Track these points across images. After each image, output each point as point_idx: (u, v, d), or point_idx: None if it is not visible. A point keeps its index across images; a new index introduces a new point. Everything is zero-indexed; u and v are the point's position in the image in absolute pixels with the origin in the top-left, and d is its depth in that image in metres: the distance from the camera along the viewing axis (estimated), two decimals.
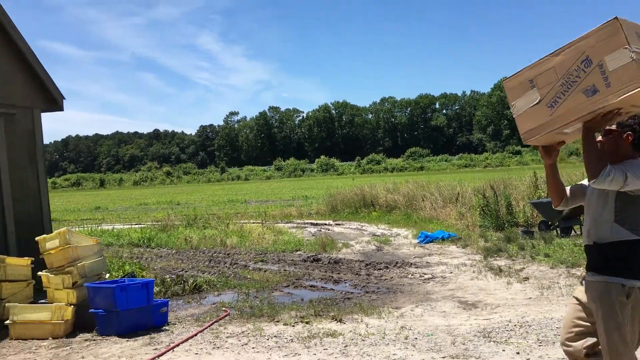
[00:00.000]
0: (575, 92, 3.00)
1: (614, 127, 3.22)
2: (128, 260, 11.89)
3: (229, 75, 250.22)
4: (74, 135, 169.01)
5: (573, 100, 3.01)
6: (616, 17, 2.86)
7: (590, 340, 3.28)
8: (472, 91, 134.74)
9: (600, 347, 3.24)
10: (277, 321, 6.97)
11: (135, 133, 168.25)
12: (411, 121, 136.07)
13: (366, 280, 9.40)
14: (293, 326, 6.73)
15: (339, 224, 19.24)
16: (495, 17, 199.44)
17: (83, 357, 5.93)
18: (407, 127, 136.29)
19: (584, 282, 3.35)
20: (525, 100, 3.20)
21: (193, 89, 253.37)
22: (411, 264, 10.71)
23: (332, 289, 8.87)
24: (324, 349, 5.77)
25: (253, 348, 5.94)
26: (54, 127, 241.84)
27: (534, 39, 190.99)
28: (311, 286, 9.23)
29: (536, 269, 9.46)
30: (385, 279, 9.45)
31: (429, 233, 13.96)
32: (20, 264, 7.65)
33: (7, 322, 6.84)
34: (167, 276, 9.97)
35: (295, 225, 19.53)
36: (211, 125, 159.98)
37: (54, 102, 11.16)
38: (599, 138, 3.26)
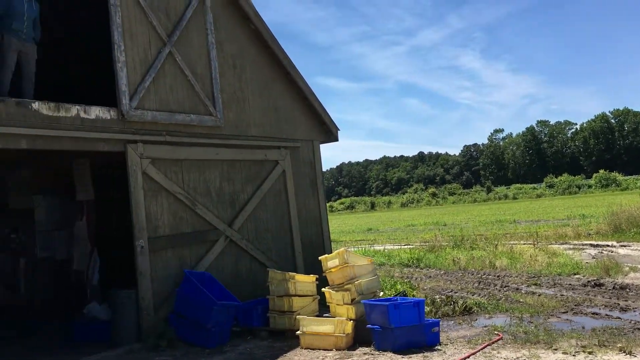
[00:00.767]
0: None
1: None
2: (399, 279, 12.38)
3: (492, 92, 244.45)
4: (346, 162, 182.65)
5: None
6: None
7: None
8: None
9: None
10: (555, 349, 6.54)
11: (401, 156, 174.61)
12: None
13: None
14: (574, 355, 6.24)
15: (624, 246, 17.19)
16: None
17: None
18: None
19: None
20: None
21: (456, 109, 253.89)
22: None
23: (619, 318, 7.99)
24: None
25: None
26: (330, 155, 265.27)
27: None
28: (593, 313, 8.44)
29: None
30: None
31: None
32: (307, 280, 8.58)
33: (298, 332, 7.69)
34: (437, 296, 10.11)
35: (571, 246, 18.04)
36: (475, 145, 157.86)
37: (330, 133, 12.35)
38: None
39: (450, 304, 9.26)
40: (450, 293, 10.74)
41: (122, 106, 8.27)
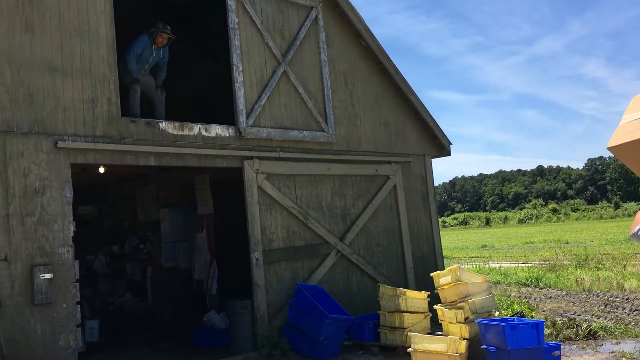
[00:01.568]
0: None
1: None
2: (516, 299, 11.86)
3: (620, 101, 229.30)
4: (460, 176, 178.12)
5: None
6: None
7: None
8: None
9: None
10: None
11: (519, 170, 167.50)
12: None
13: None
14: None
15: None
16: None
17: None
18: None
19: None
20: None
21: (579, 120, 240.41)
22: None
23: None
24: None
25: None
26: (442, 169, 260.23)
27: None
28: None
29: None
30: None
31: None
32: (418, 297, 8.45)
33: (410, 349, 7.59)
34: (558, 318, 9.56)
35: None
36: (601, 158, 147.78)
37: (442, 147, 12.17)
38: None
39: (573, 327, 8.71)
40: (572, 315, 10.11)
41: (240, 124, 8.68)
